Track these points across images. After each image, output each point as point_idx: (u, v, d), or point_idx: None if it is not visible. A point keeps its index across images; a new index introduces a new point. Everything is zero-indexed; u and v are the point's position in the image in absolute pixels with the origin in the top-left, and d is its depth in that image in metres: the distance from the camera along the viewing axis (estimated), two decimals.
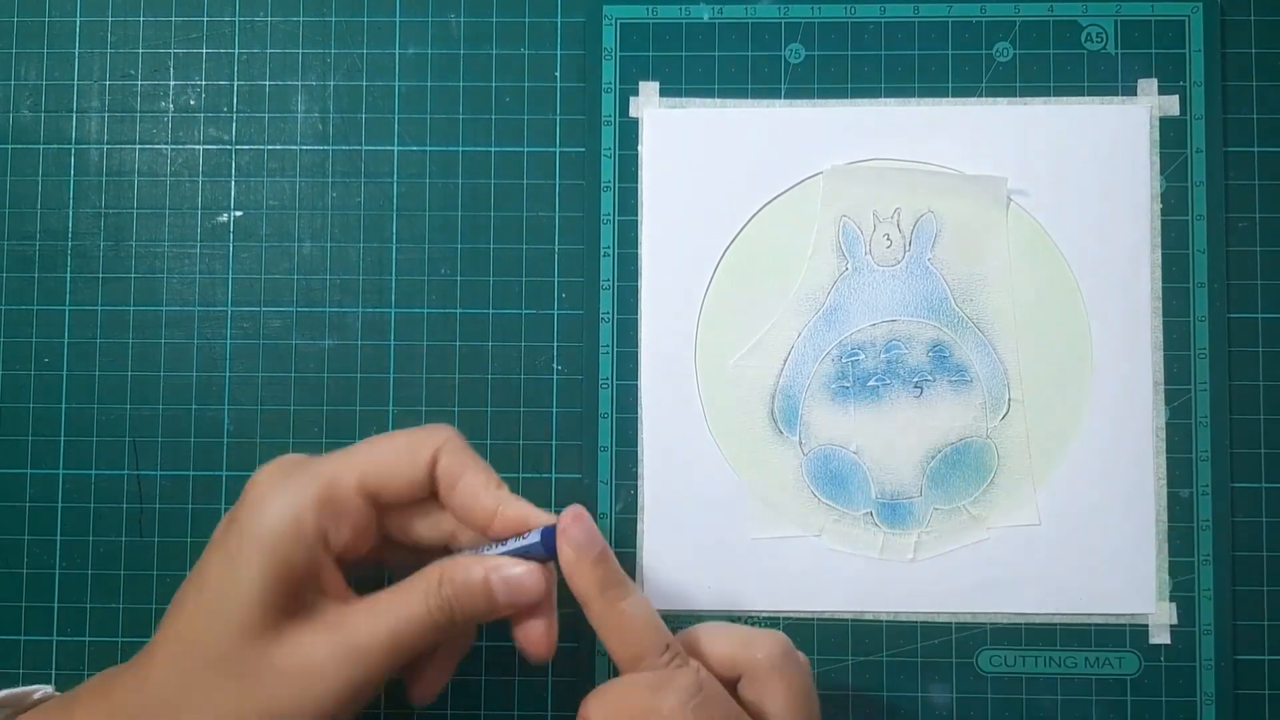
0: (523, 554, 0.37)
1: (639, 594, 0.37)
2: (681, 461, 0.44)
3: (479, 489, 0.36)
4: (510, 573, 0.36)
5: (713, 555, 0.43)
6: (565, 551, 0.36)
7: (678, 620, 0.43)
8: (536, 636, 0.37)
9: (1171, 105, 0.44)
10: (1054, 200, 0.44)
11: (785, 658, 0.36)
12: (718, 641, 0.37)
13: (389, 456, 0.36)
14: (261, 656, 0.33)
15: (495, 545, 0.37)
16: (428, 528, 0.38)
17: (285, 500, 0.35)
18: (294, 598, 0.34)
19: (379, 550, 0.38)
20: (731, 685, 0.37)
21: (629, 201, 0.44)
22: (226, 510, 0.37)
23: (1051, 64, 0.44)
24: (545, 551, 0.37)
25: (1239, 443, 0.43)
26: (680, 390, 0.44)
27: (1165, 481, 0.43)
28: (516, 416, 0.44)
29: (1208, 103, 0.44)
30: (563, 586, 0.37)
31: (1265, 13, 0.44)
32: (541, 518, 0.37)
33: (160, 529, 0.44)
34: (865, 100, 0.44)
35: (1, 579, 0.44)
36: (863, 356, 0.44)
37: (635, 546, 0.43)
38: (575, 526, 0.36)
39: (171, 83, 0.46)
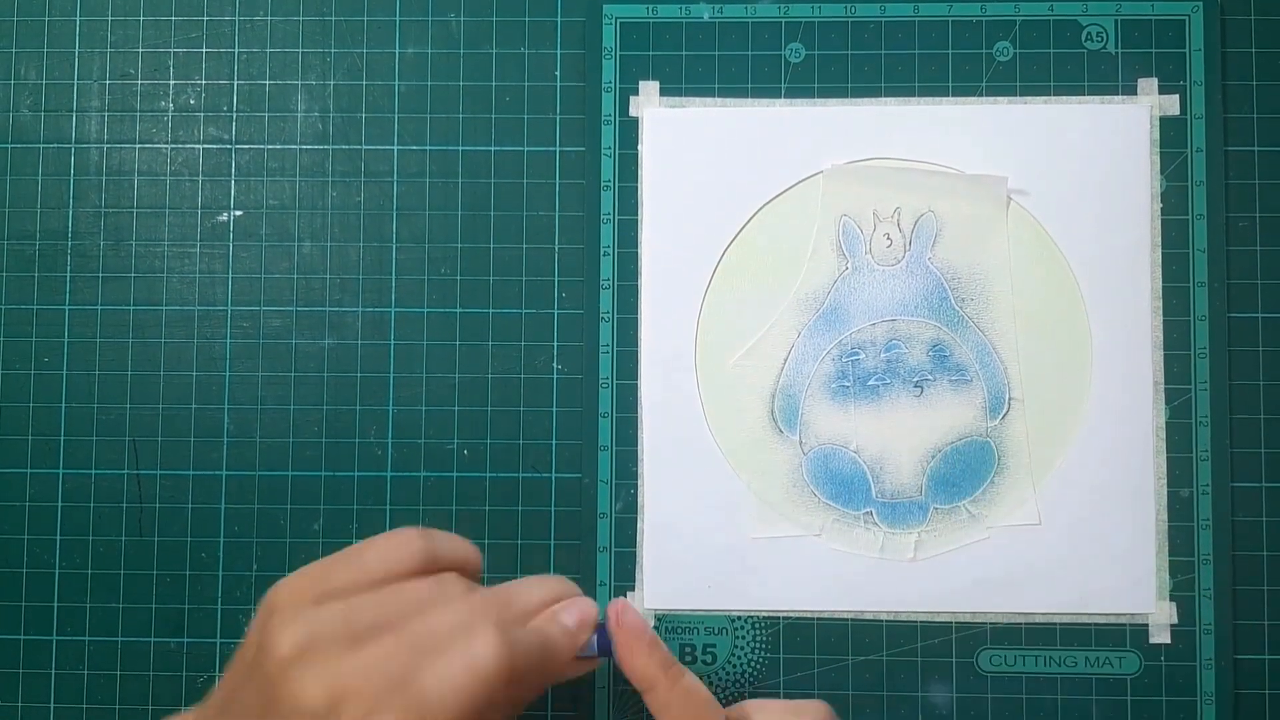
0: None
1: (691, 674, 0.38)
2: (681, 461, 0.44)
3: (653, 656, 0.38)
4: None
5: (713, 555, 0.43)
6: (622, 639, 0.38)
7: (678, 620, 0.43)
8: None
9: (1171, 105, 0.44)
10: (1054, 200, 0.44)
11: None
12: (766, 715, 0.38)
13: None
14: None
15: None
16: None
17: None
18: None
19: None
20: None
21: (629, 201, 0.44)
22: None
23: (1051, 64, 0.44)
24: (599, 650, 0.38)
25: (1239, 442, 0.43)
26: (680, 390, 0.44)
27: (1165, 481, 0.43)
28: (516, 416, 0.44)
29: (1208, 102, 0.44)
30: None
31: (1265, 12, 0.44)
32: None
33: (160, 529, 0.44)
34: (865, 100, 0.44)
35: (1, 579, 0.44)
36: (863, 356, 0.44)
37: (635, 546, 0.43)
38: (626, 615, 0.38)
39: (171, 82, 0.46)
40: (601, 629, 0.38)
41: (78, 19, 0.46)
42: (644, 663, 0.37)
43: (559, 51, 0.45)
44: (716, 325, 0.44)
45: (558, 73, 0.45)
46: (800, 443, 0.44)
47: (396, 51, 0.45)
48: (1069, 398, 0.43)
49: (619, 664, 0.38)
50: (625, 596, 0.43)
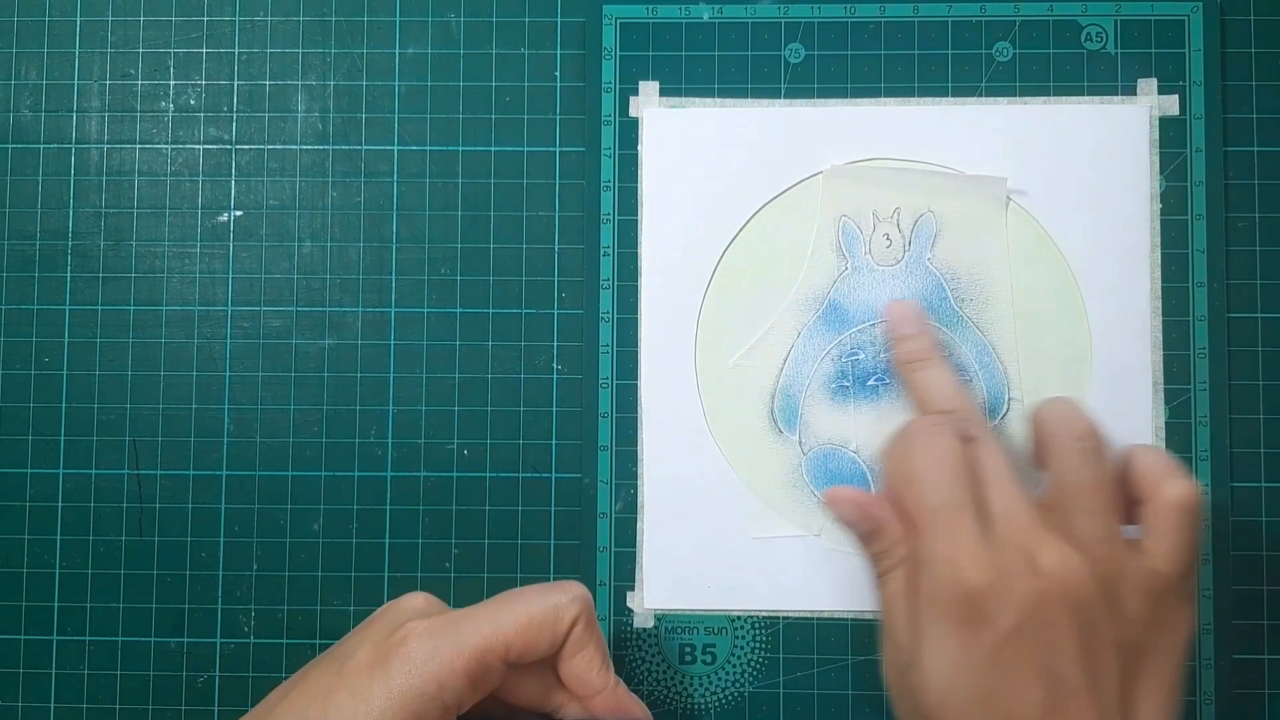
0: None
1: (945, 368, 0.41)
2: (681, 461, 0.44)
3: (597, 665, 0.38)
4: None
5: (713, 555, 0.43)
6: (892, 325, 0.42)
7: (678, 620, 0.43)
8: None
9: (1171, 105, 0.44)
10: (1054, 200, 0.44)
11: (1193, 515, 0.35)
12: (1140, 458, 0.37)
13: (536, 625, 0.37)
14: None
15: None
16: (539, 693, 0.39)
17: (435, 666, 0.35)
18: None
19: (482, 704, 0.39)
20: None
21: (629, 201, 0.44)
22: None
23: (1051, 64, 0.44)
24: None
25: (1239, 442, 0.43)
26: (680, 390, 0.44)
27: None
28: (516, 416, 0.44)
29: (1207, 102, 0.44)
30: None
31: (1265, 13, 0.44)
32: (642, 712, 0.38)
33: (160, 529, 0.44)
34: (865, 100, 0.44)
35: (1, 579, 0.44)
36: (863, 356, 0.44)
37: (635, 546, 0.43)
38: (899, 306, 0.43)
39: (171, 83, 0.46)
40: None
41: (78, 19, 0.46)
42: (896, 351, 0.42)
43: (559, 52, 0.45)
44: (716, 325, 0.44)
45: (558, 73, 0.45)
46: (800, 443, 0.44)
47: (396, 51, 0.45)
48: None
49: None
50: (625, 596, 0.43)
